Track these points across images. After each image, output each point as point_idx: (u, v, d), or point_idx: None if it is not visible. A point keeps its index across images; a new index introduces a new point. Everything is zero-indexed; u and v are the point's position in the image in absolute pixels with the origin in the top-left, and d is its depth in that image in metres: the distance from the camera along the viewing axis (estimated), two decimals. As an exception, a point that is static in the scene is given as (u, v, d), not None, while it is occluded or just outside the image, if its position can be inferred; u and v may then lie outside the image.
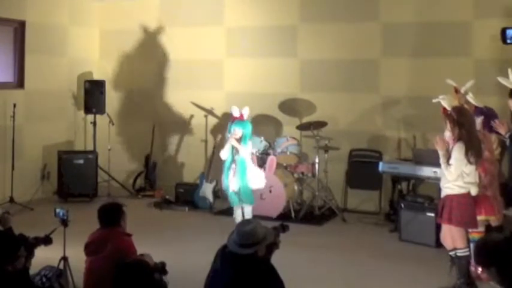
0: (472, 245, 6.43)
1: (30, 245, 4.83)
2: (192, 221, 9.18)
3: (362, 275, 6.84)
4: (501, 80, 6.57)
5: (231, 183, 7.79)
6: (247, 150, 7.83)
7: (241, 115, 7.86)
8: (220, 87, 10.83)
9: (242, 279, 4.29)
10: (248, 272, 4.31)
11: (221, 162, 8.15)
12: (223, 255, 4.47)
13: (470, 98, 6.78)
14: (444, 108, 6.65)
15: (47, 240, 5.08)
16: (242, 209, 7.90)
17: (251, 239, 4.39)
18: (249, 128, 7.82)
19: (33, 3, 10.38)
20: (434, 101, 6.96)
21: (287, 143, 9.53)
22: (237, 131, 7.71)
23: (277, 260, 4.63)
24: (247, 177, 7.78)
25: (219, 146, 9.44)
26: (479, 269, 6.54)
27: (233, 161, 7.80)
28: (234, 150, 7.80)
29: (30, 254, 4.80)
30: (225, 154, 7.91)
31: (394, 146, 9.62)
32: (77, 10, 11.32)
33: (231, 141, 7.75)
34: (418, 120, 9.37)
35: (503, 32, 7.31)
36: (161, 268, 4.62)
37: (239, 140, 7.75)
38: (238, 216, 7.95)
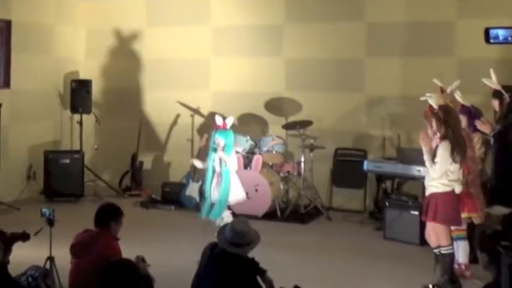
0: (455, 244, 6.51)
1: (7, 240, 4.83)
2: (178, 220, 9.19)
3: (347, 273, 6.88)
4: (485, 81, 6.62)
5: (214, 192, 7.47)
6: (232, 161, 7.50)
7: (224, 124, 7.47)
8: (206, 86, 10.84)
9: (230, 279, 4.31)
10: (236, 272, 4.34)
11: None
12: (212, 255, 4.48)
13: (458, 96, 6.82)
14: (430, 107, 6.70)
15: (24, 236, 5.08)
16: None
17: (245, 238, 4.42)
18: (231, 137, 7.45)
19: (19, 3, 10.30)
20: (422, 99, 6.99)
21: (273, 142, 9.58)
22: (219, 140, 7.33)
23: (263, 258, 4.67)
24: (230, 190, 7.49)
25: (204, 147, 9.39)
26: (463, 267, 6.64)
27: (214, 171, 7.55)
28: (220, 161, 7.51)
29: (8, 249, 4.81)
30: (204, 164, 7.66)
31: (379, 145, 9.67)
32: (63, 9, 11.27)
33: (219, 154, 7.39)
34: (403, 119, 9.44)
35: (487, 31, 7.35)
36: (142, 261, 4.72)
37: (222, 149, 7.44)
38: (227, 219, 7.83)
